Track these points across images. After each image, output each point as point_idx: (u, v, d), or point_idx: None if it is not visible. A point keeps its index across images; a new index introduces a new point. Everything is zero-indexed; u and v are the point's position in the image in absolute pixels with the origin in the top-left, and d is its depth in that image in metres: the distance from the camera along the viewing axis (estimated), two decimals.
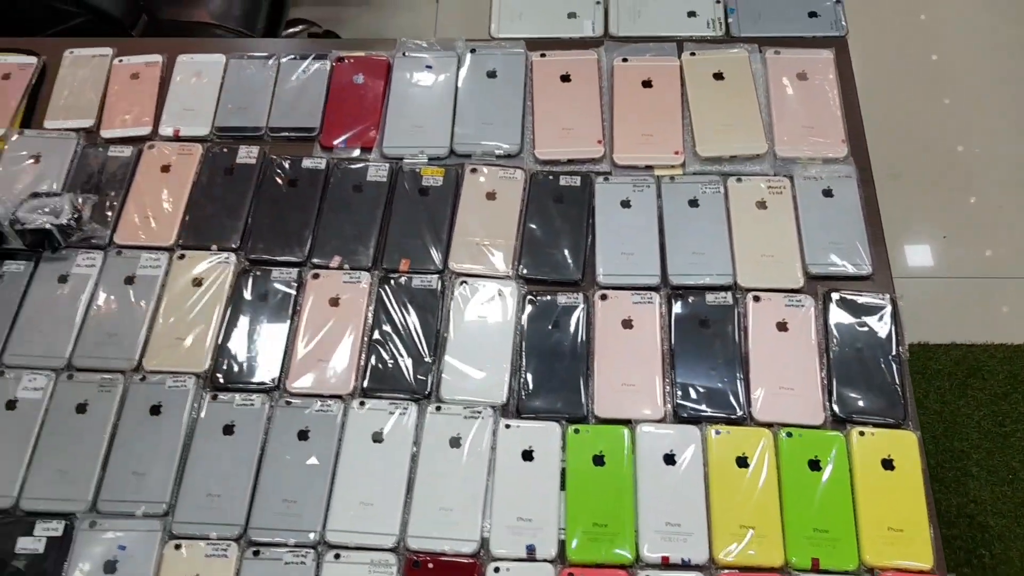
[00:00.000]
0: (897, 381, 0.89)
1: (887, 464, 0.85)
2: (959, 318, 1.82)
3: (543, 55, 1.12)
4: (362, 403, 0.90)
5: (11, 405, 0.92)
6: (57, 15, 1.60)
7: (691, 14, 1.16)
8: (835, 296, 0.94)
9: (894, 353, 0.91)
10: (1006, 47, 2.13)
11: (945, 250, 1.93)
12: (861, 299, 0.93)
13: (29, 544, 0.85)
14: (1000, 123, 2.04)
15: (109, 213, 1.03)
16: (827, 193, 1.00)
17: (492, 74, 1.11)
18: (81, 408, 0.91)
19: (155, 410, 0.91)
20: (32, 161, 1.07)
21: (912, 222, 1.94)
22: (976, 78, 2.10)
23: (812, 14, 1.14)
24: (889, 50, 2.13)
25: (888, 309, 0.93)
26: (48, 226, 0.97)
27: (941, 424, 1.69)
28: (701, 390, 0.89)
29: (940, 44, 2.16)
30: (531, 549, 0.83)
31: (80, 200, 1.00)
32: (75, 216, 0.99)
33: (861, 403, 0.88)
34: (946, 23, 2.18)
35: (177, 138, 1.08)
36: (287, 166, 1.05)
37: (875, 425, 0.87)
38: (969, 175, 1.99)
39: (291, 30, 1.93)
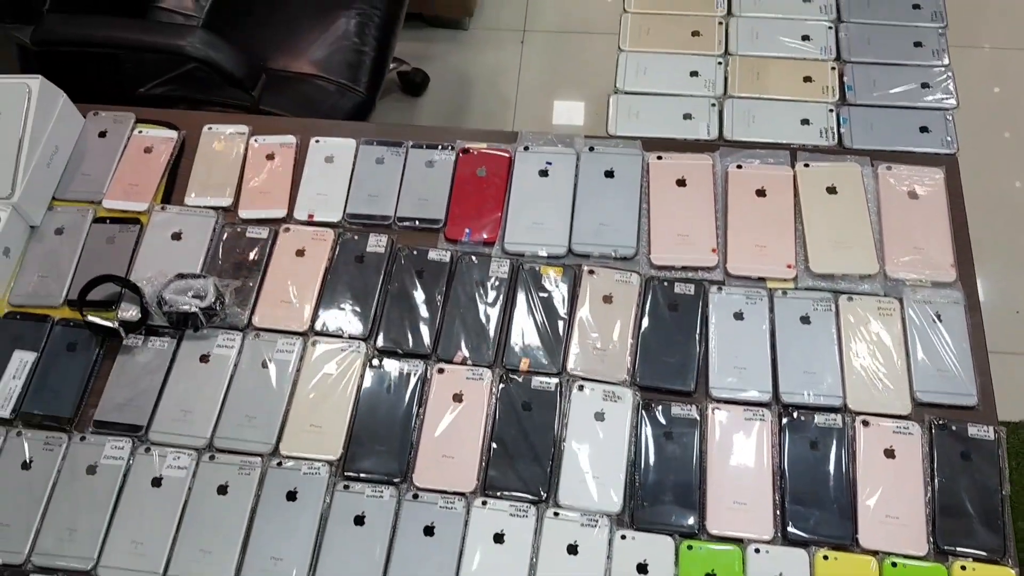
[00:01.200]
0: (999, 516, 0.93)
1: None
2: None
3: (660, 157, 1.16)
4: (484, 502, 0.96)
5: (156, 482, 0.98)
6: (174, 60, 1.67)
7: (804, 122, 1.19)
8: (942, 426, 0.97)
9: (996, 487, 0.94)
10: None
11: (1019, 326, 1.94)
12: (967, 430, 0.97)
13: None
14: None
15: (245, 291, 1.09)
16: (936, 318, 1.03)
17: (610, 173, 1.15)
18: (222, 489, 0.97)
19: (291, 496, 0.97)
20: (173, 238, 1.13)
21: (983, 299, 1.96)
22: None
23: (923, 129, 1.18)
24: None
25: (993, 442, 0.96)
26: (194, 309, 1.03)
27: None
28: (810, 513, 0.94)
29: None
30: None
31: (223, 284, 1.06)
32: (218, 299, 1.05)
33: (963, 536, 0.92)
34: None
35: (311, 222, 1.14)
36: (415, 256, 1.10)
37: (975, 559, 0.91)
38: None
39: None
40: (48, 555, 0.95)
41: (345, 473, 0.98)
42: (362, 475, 0.98)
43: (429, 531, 0.95)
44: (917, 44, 1.24)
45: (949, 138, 1.17)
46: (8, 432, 1.02)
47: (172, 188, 1.18)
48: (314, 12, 1.78)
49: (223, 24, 1.76)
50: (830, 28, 1.27)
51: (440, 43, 2.39)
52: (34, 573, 0.94)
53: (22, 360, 1.06)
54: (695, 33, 1.28)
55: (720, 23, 1.28)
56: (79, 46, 1.48)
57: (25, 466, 1.00)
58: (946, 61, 1.23)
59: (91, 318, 1.05)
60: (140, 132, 1.22)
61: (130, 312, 1.07)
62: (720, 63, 1.25)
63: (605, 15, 2.42)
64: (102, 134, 1.22)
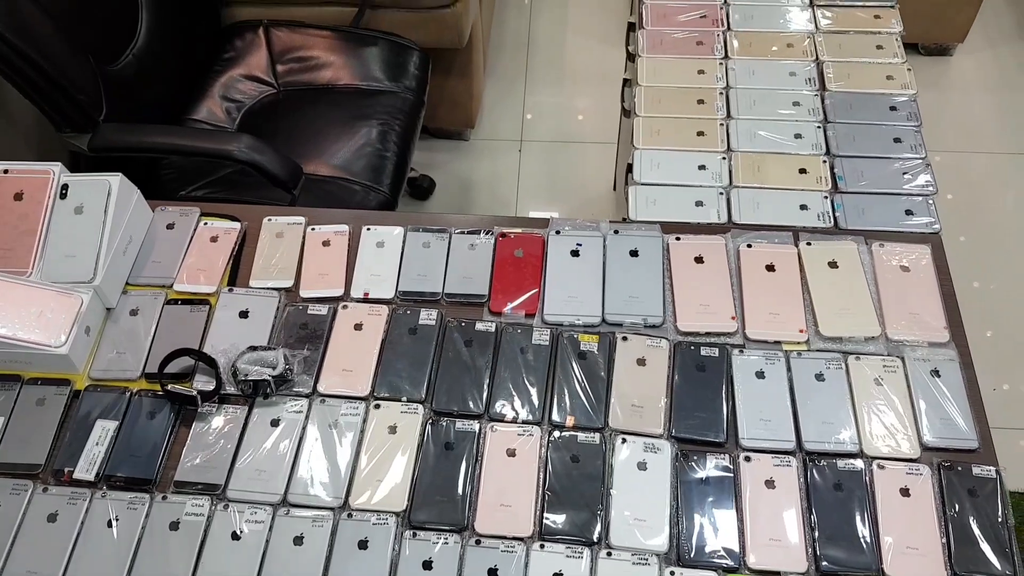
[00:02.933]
0: (1007, 543, 1.03)
1: None
2: (1013, 463, 1.96)
3: (678, 238, 1.30)
4: (542, 545, 1.04)
5: (236, 536, 1.06)
6: (210, 166, 1.81)
7: (803, 207, 1.34)
8: (949, 467, 1.08)
9: (1001, 519, 1.05)
10: None
11: (1001, 402, 2.08)
12: (971, 470, 1.08)
13: None
14: None
15: (309, 361, 1.19)
16: (935, 373, 1.16)
17: (634, 253, 1.29)
18: (298, 540, 1.05)
19: (363, 545, 1.05)
20: (241, 316, 1.23)
21: None
22: None
23: (908, 212, 1.33)
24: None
25: (995, 480, 1.08)
26: (267, 377, 1.13)
27: None
28: (839, 547, 1.03)
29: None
30: None
31: (292, 354, 1.16)
32: (288, 368, 1.15)
33: (978, 563, 1.02)
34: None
35: (366, 300, 1.25)
36: (463, 328, 1.22)
37: None
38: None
39: None
40: None
41: (411, 523, 1.07)
42: (427, 525, 1.06)
43: (493, 572, 1.03)
44: (896, 140, 1.41)
45: (932, 219, 1.32)
46: (93, 494, 1.09)
47: (236, 273, 1.29)
48: (340, 122, 1.94)
49: (254, 133, 1.91)
50: (819, 128, 1.43)
51: (444, 152, 2.56)
52: None
53: (104, 428, 1.14)
54: (700, 133, 1.44)
55: (721, 124, 1.45)
56: (134, 151, 1.62)
57: (110, 524, 1.07)
58: (923, 154, 1.39)
59: (171, 387, 1.14)
60: (205, 224, 1.33)
61: (204, 382, 1.17)
62: (724, 158, 1.40)
63: (594, 127, 2.62)
64: (170, 226, 1.33)
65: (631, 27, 1.80)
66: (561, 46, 2.85)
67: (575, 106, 2.69)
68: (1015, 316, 2.24)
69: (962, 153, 2.51)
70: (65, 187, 1.26)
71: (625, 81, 1.87)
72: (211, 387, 1.16)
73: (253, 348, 1.17)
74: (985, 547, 1.03)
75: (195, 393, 1.14)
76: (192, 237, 1.32)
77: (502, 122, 2.64)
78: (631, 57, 1.79)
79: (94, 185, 1.25)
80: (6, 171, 1.27)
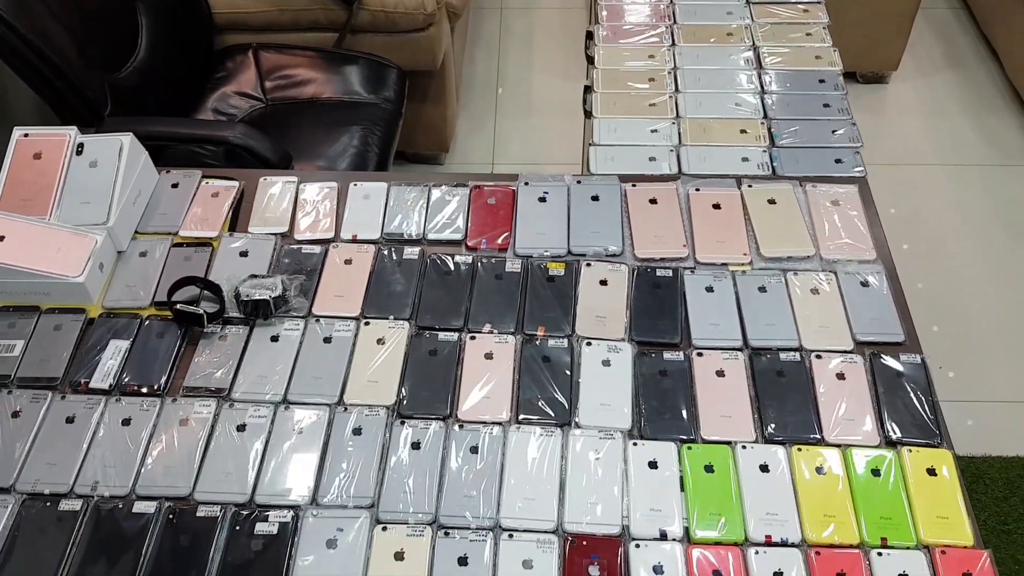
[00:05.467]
0: (932, 414, 1.16)
1: (931, 472, 1.11)
2: (959, 435, 2.09)
3: (634, 185, 1.45)
4: (519, 427, 1.16)
5: (241, 428, 1.16)
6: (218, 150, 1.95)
7: (744, 159, 1.50)
8: (879, 355, 1.22)
9: (928, 397, 1.18)
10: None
11: (942, 376, 2.22)
12: (899, 358, 1.22)
13: (265, 528, 1.07)
14: (985, 271, 2.41)
15: (304, 288, 1.31)
16: (864, 284, 1.31)
17: (595, 198, 1.44)
18: (299, 431, 1.16)
19: (357, 431, 1.16)
20: (241, 255, 1.36)
21: None
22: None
23: (838, 160, 1.50)
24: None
25: (921, 365, 1.21)
26: (267, 297, 1.25)
27: None
28: (784, 421, 1.16)
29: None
30: (663, 532, 1.06)
31: (290, 278, 1.29)
32: (286, 290, 1.27)
33: (907, 429, 1.15)
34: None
35: (355, 240, 1.38)
36: (443, 260, 1.35)
37: (919, 445, 1.13)
38: (962, 316, 2.33)
39: None
40: (151, 487, 1.11)
41: (400, 414, 1.18)
42: (415, 415, 1.18)
43: (475, 450, 1.14)
44: (826, 105, 1.59)
45: (858, 165, 1.49)
46: (108, 400, 1.20)
47: (236, 222, 1.42)
48: (324, 129, 2.10)
49: None
50: (756, 97, 1.61)
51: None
52: (139, 500, 1.10)
53: (117, 346, 1.25)
54: (651, 105, 1.61)
55: (670, 97, 1.62)
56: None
57: (125, 423, 1.17)
58: (849, 116, 1.57)
59: (179, 307, 1.26)
60: (207, 183, 1.47)
61: (208, 308, 1.28)
62: (673, 123, 1.57)
63: (560, 150, 2.80)
64: (174, 185, 1.47)
65: (589, 35, 1.99)
66: (528, 83, 3.05)
67: (543, 133, 2.88)
68: (931, 234, 2.52)
69: (897, 166, 2.72)
70: (81, 145, 1.39)
71: (586, 88, 2.05)
72: (215, 309, 1.27)
73: (254, 276, 1.29)
74: (914, 418, 1.16)
75: (202, 312, 1.25)
76: (195, 193, 1.45)
77: (475, 149, 2.82)
78: (590, 60, 1.97)
79: (108, 142, 1.39)
80: (26, 135, 1.41)
